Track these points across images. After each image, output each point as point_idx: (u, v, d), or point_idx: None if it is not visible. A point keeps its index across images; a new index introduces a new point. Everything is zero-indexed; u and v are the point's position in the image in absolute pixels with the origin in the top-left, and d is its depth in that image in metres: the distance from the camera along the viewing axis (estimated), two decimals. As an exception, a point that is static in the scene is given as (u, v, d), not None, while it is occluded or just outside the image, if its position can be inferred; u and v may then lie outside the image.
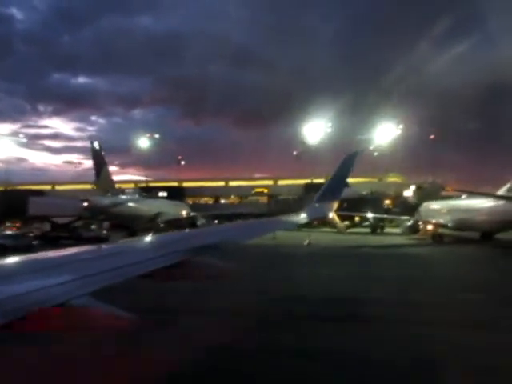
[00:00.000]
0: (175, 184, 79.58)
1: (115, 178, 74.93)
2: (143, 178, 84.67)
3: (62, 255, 2.98)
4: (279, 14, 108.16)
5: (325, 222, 55.93)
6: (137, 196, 52.08)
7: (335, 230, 48.32)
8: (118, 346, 7.92)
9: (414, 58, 74.30)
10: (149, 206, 47.46)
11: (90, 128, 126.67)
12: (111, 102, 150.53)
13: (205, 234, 5.39)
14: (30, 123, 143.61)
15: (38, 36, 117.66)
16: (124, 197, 48.41)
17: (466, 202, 37.61)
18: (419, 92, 71.07)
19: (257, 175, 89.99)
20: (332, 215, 9.35)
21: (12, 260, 2.68)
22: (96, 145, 49.62)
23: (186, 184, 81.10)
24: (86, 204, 43.04)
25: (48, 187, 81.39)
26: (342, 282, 16.61)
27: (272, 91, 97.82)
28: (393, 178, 72.08)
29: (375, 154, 67.93)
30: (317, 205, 8.54)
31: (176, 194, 68.56)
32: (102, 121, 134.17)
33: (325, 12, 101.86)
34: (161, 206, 50.22)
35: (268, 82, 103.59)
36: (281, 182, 79.94)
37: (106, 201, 43.50)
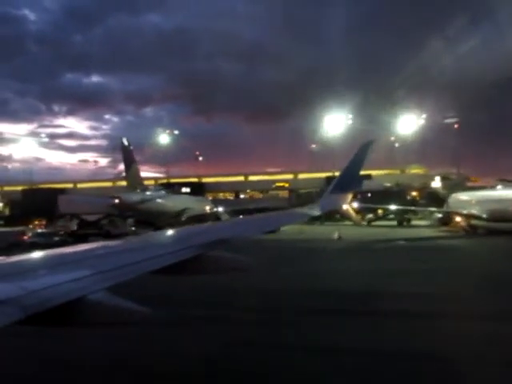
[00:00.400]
0: (194, 180, 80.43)
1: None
2: (161, 175, 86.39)
3: (77, 251, 3.06)
4: (291, 10, 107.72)
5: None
6: (163, 192, 53.14)
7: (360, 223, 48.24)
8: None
9: (433, 48, 73.20)
10: (175, 202, 48.48)
11: (104, 126, 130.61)
12: (124, 100, 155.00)
13: (216, 229, 5.43)
14: (46, 123, 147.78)
15: (50, 36, 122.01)
16: (152, 193, 49.50)
17: (499, 193, 36.45)
18: (438, 83, 70.17)
19: (275, 169, 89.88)
20: (346, 207, 9.38)
21: (29, 256, 2.77)
22: (125, 141, 50.64)
23: (204, 179, 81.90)
24: (116, 201, 44.11)
25: (69, 185, 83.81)
26: (388, 277, 16.04)
27: (283, 87, 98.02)
28: (415, 170, 71.50)
29: (395, 145, 69.55)
30: (330, 196, 8.49)
31: (196, 189, 69.53)
32: (115, 119, 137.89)
33: (341, 5, 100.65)
34: (186, 201, 51.27)
35: (279, 78, 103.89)
36: (301, 176, 79.63)
37: (135, 197, 44.68)
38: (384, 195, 50.33)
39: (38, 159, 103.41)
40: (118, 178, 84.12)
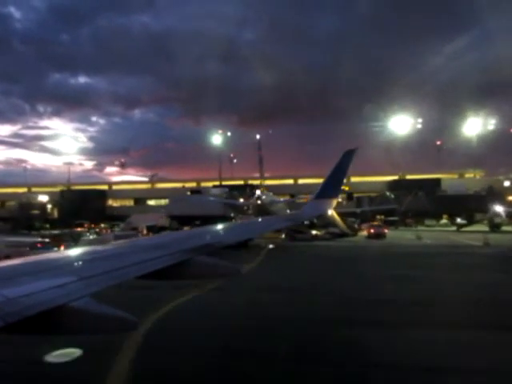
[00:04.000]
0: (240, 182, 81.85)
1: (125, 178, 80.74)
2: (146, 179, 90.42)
3: (60, 257, 3.27)
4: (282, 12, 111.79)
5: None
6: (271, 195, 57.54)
7: (453, 229, 50.24)
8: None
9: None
10: (284, 206, 52.74)
11: (90, 129, 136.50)
12: (111, 102, 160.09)
13: (203, 234, 5.77)
14: (30, 124, 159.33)
15: (36, 35, 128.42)
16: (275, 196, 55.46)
17: None
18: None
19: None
20: (331, 212, 10.57)
21: (9, 263, 2.97)
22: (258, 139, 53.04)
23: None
24: (259, 202, 47.19)
25: (104, 187, 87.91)
26: None
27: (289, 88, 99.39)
28: (472, 173, 74.09)
29: (442, 148, 75.39)
30: (315, 202, 9.59)
31: (249, 191, 71.13)
32: (101, 121, 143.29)
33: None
34: (285, 205, 55.00)
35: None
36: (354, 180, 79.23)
37: (269, 200, 49.27)
38: (472, 200, 52.93)
39: (21, 161, 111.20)
40: (154, 179, 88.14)
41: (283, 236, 41.17)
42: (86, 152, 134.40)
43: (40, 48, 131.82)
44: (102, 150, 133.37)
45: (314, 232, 42.99)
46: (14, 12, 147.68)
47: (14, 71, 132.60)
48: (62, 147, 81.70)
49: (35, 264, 3.05)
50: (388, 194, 61.92)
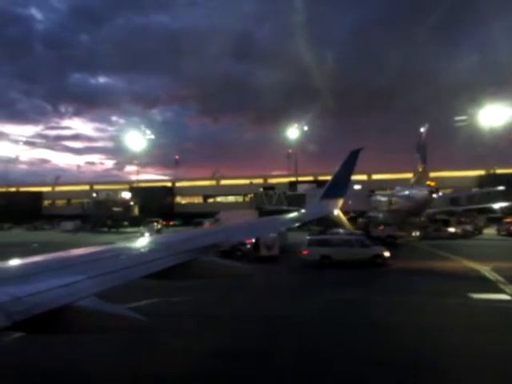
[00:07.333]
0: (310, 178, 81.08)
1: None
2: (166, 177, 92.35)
3: (66, 256, 3.40)
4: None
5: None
6: None
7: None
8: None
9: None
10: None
11: (110, 128, 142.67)
12: (130, 101, 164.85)
13: (208, 234, 5.93)
14: (52, 124, 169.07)
15: (57, 36, 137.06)
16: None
17: None
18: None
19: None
20: (337, 212, 10.88)
21: (16, 262, 3.12)
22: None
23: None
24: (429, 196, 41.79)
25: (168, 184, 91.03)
26: None
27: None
28: None
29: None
30: (321, 202, 10.07)
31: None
32: (121, 120, 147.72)
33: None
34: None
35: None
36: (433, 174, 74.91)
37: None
38: None
39: (44, 161, 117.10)
40: (217, 177, 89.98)
41: (417, 234, 40.73)
42: (105, 151, 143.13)
43: (60, 49, 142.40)
44: (120, 149, 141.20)
45: (451, 229, 42.20)
46: (36, 13, 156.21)
47: (35, 72, 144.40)
48: (126, 145, 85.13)
49: (41, 263, 3.18)
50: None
